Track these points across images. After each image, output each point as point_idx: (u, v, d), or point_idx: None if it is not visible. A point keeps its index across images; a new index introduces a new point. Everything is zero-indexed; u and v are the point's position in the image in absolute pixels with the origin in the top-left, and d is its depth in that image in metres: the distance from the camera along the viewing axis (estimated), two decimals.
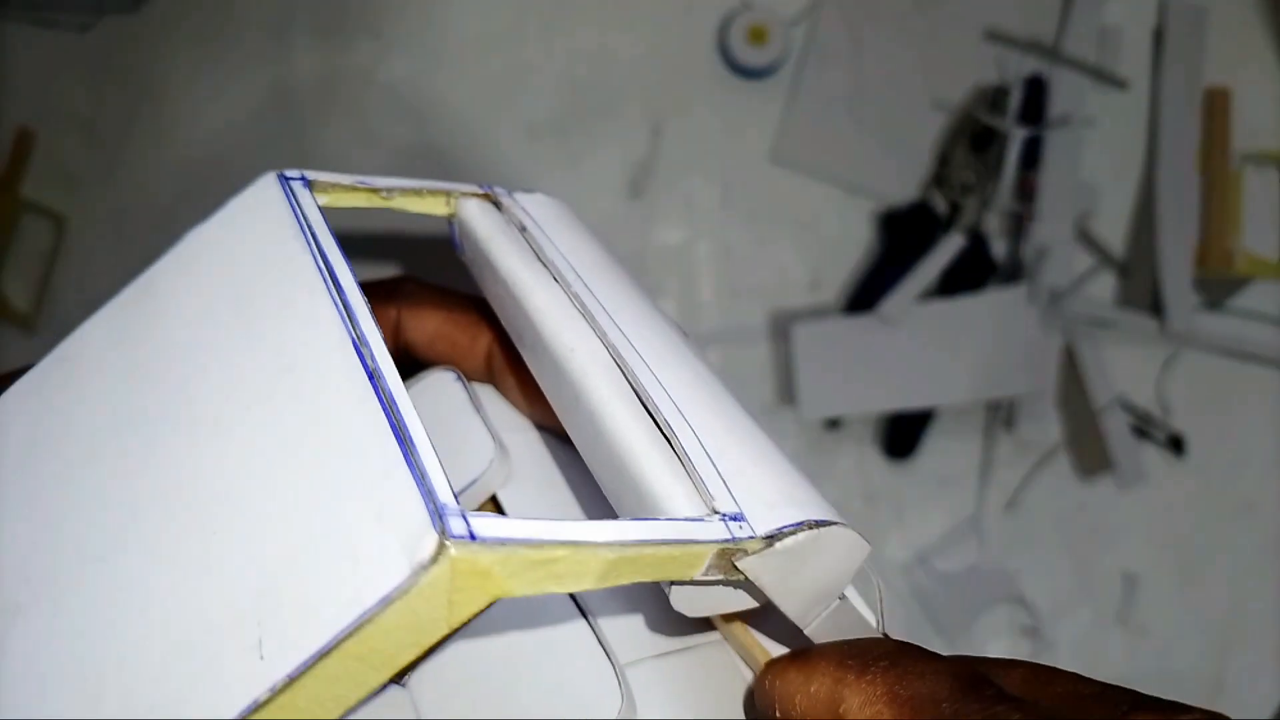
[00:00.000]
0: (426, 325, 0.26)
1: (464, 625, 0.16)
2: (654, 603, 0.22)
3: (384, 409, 0.17)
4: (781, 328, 0.59)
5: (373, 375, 0.17)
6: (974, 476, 0.60)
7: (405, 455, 0.16)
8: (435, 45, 0.62)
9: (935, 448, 0.60)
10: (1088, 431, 0.59)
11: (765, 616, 0.21)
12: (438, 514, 0.15)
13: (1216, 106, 0.60)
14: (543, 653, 0.20)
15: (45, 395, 0.21)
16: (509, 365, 0.25)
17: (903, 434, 0.60)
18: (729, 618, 0.21)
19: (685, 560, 0.17)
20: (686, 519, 0.17)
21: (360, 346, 0.18)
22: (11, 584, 0.18)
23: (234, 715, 0.15)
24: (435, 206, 0.25)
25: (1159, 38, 0.61)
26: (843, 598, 0.19)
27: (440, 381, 0.25)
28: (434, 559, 0.14)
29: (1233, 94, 0.60)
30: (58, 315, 0.63)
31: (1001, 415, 0.60)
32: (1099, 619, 0.59)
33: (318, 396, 0.18)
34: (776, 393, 0.60)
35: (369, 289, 0.19)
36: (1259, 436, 0.60)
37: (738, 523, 0.18)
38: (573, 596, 0.20)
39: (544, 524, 0.15)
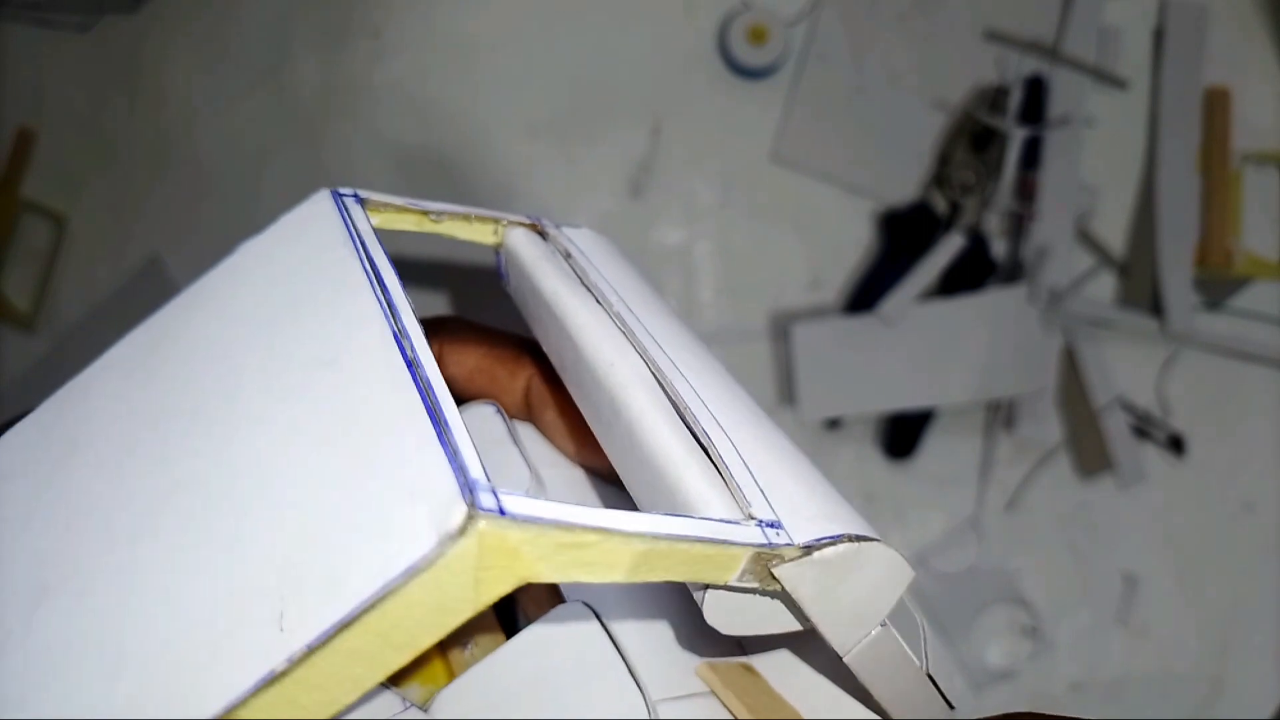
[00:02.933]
0: (468, 360, 0.26)
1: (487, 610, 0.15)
2: (691, 645, 0.22)
3: (420, 393, 0.17)
4: (781, 328, 0.59)
5: (411, 364, 0.17)
6: (974, 476, 0.60)
7: (439, 434, 0.16)
8: (435, 45, 0.62)
9: (935, 448, 0.60)
10: (1088, 431, 0.59)
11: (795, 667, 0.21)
12: (468, 488, 0.15)
13: (1216, 106, 0.60)
14: (570, 681, 0.20)
15: (88, 397, 0.22)
16: (548, 402, 0.26)
17: (903, 434, 0.60)
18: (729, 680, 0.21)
19: (719, 561, 0.17)
20: (723, 520, 0.17)
21: (400, 339, 0.18)
22: (42, 569, 0.18)
23: (249, 686, 0.14)
24: (483, 234, 0.25)
25: (1159, 38, 0.61)
26: (884, 625, 0.19)
27: (480, 414, 0.25)
28: (462, 530, 0.14)
29: (1233, 94, 0.60)
30: (58, 315, 0.63)
31: (1001, 415, 0.60)
32: (1099, 619, 0.59)
33: (356, 386, 0.18)
34: (776, 393, 0.60)
35: None
36: (1259, 436, 0.60)
37: (775, 530, 0.17)
38: (606, 629, 0.20)
39: (576, 508, 0.15)
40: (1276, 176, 0.60)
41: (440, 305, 0.58)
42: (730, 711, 0.20)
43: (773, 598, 0.18)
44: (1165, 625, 0.59)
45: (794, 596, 0.17)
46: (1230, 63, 0.61)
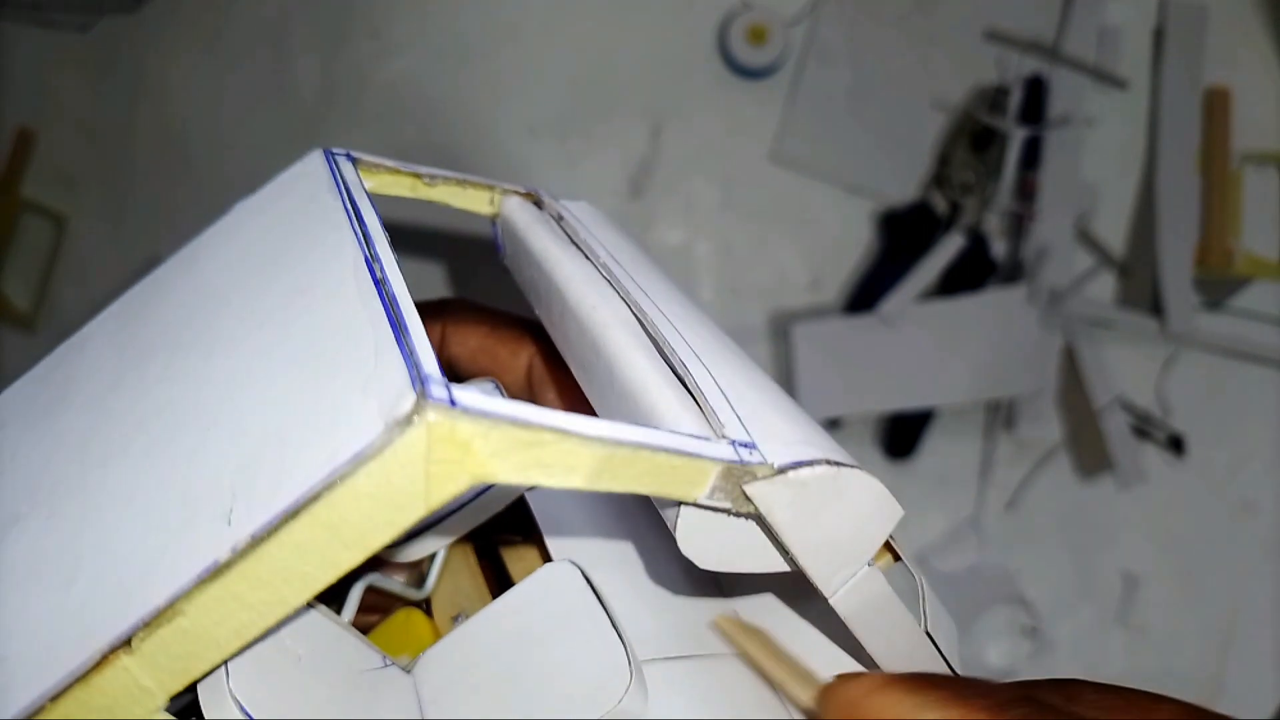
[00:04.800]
0: (470, 340, 0.27)
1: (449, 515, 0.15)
2: (682, 609, 0.21)
3: (384, 306, 0.17)
4: (781, 328, 0.59)
5: (379, 282, 0.17)
6: (974, 476, 0.60)
7: (397, 336, 0.16)
8: (435, 45, 0.62)
9: (935, 448, 0.60)
10: (1088, 431, 0.59)
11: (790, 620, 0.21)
12: (419, 380, 0.14)
13: (1216, 106, 0.60)
14: (555, 639, 0.19)
15: (83, 348, 0.22)
16: (549, 382, 0.26)
17: (903, 434, 0.60)
18: (751, 636, 0.20)
19: (687, 474, 0.16)
20: (692, 435, 0.17)
21: (371, 262, 0.18)
22: (18, 499, 0.19)
23: (193, 577, 0.14)
24: (478, 202, 0.25)
25: (1159, 38, 0.61)
26: (871, 565, 0.18)
27: (478, 389, 0.25)
28: (410, 418, 0.14)
29: (1233, 94, 0.60)
30: (58, 315, 0.63)
31: (1001, 415, 0.60)
32: (1099, 619, 0.59)
33: (326, 307, 0.18)
34: None
35: (417, 308, 0.19)
36: (1259, 436, 0.60)
37: (748, 449, 0.17)
38: (594, 588, 0.20)
39: (532, 407, 0.15)
40: (1276, 176, 0.60)
41: (443, 288, 0.58)
42: (756, 665, 0.20)
43: (747, 519, 0.17)
44: (1165, 625, 0.59)
45: (769, 520, 0.17)
46: (1230, 63, 0.61)
